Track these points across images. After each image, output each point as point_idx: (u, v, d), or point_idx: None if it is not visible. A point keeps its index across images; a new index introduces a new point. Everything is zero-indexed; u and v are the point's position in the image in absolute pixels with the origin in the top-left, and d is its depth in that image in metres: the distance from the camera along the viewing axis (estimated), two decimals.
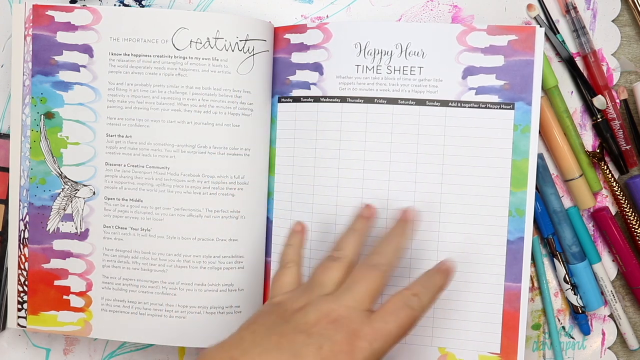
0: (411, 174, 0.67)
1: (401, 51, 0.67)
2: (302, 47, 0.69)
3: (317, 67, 0.68)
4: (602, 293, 0.72)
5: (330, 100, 0.68)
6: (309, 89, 0.68)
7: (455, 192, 0.67)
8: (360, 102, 0.67)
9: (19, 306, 0.70)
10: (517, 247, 0.66)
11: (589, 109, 0.71)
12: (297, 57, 0.69)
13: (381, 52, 0.67)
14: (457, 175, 0.66)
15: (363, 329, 0.52)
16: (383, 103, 0.67)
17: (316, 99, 0.68)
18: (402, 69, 0.67)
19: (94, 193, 0.69)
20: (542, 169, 0.70)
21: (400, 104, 0.67)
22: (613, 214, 0.72)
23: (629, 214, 0.71)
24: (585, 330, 0.73)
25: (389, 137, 0.67)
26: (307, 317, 0.53)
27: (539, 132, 0.69)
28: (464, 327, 0.67)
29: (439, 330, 0.67)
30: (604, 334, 0.74)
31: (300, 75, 0.69)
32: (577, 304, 0.72)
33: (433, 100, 0.66)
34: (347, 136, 0.68)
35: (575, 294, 0.72)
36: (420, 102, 0.66)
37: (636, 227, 0.71)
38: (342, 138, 0.68)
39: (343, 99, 0.67)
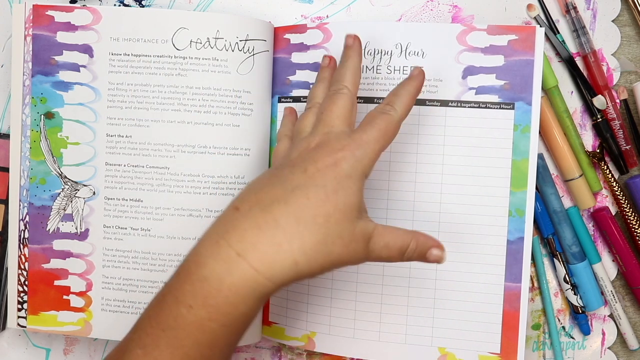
0: (411, 174, 0.67)
1: (401, 51, 0.67)
2: (302, 47, 0.69)
3: (317, 67, 0.68)
4: (602, 293, 0.72)
5: None
6: (309, 88, 0.68)
7: (455, 191, 0.67)
8: (360, 102, 0.67)
9: (19, 306, 0.70)
10: (517, 247, 0.66)
11: (589, 109, 0.71)
12: (297, 57, 0.69)
13: (381, 52, 0.67)
14: (457, 175, 0.66)
15: (343, 143, 0.54)
16: None
17: None
18: (402, 68, 0.67)
19: (94, 193, 0.69)
20: (542, 169, 0.70)
21: None
22: (613, 214, 0.72)
23: (629, 214, 0.71)
24: (585, 330, 0.73)
25: None
26: (291, 157, 0.56)
27: (539, 132, 0.69)
28: (464, 327, 0.67)
29: (439, 331, 0.67)
30: (604, 334, 0.74)
31: (301, 75, 0.69)
32: (577, 304, 0.72)
33: (433, 100, 0.66)
34: None
35: (575, 294, 0.72)
36: (421, 102, 0.66)
37: (636, 227, 0.71)
38: None
39: None
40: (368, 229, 0.54)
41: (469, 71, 0.66)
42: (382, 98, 0.66)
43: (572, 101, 0.72)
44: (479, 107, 0.66)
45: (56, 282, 0.70)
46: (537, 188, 0.70)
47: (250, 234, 0.50)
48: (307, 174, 0.53)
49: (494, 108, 0.66)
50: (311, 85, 0.67)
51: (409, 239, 0.56)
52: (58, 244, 0.70)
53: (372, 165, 0.55)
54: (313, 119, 0.60)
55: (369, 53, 0.67)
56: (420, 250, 0.56)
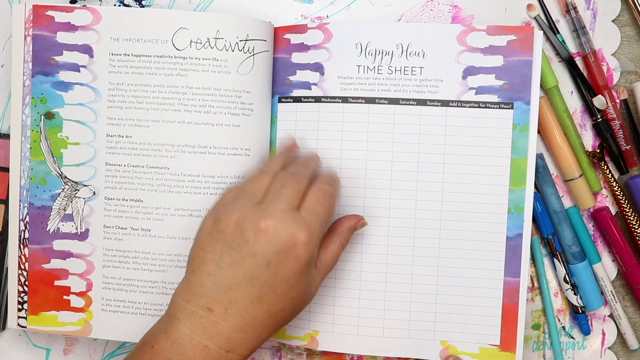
0: (412, 173, 0.67)
1: (402, 51, 0.67)
2: (303, 47, 0.69)
3: (318, 67, 0.68)
4: (602, 293, 0.72)
5: (332, 100, 0.68)
6: (310, 89, 0.68)
7: (455, 190, 0.67)
8: (361, 102, 0.67)
9: (19, 306, 0.70)
10: (516, 243, 0.67)
11: (589, 109, 0.71)
12: (297, 57, 0.69)
13: (382, 53, 0.67)
14: (458, 174, 0.67)
15: (299, 228, 0.57)
16: (384, 103, 0.67)
17: (317, 99, 0.68)
18: (403, 69, 0.67)
19: (94, 193, 0.69)
20: (542, 169, 0.71)
21: (402, 104, 0.67)
22: (613, 214, 0.72)
23: (629, 214, 0.71)
24: (585, 330, 0.73)
25: (390, 136, 0.67)
26: (246, 236, 0.57)
27: (539, 132, 0.69)
28: (464, 321, 0.68)
29: (441, 324, 0.68)
30: (604, 334, 0.74)
31: (301, 76, 0.69)
32: (577, 304, 0.72)
33: (434, 100, 0.67)
34: (349, 136, 0.68)
35: (575, 294, 0.72)
36: (421, 102, 0.67)
37: (636, 227, 0.71)
38: (344, 138, 0.68)
39: (344, 99, 0.67)
40: (318, 279, 0.62)
41: (469, 71, 0.66)
42: (384, 98, 0.67)
43: (572, 101, 0.72)
44: (479, 106, 0.66)
45: (56, 282, 0.70)
46: (537, 188, 0.71)
47: (235, 336, 0.56)
48: (270, 268, 0.56)
49: (494, 108, 0.66)
50: (312, 86, 0.68)
51: (337, 245, 0.64)
52: (58, 244, 0.70)
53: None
54: (267, 184, 0.61)
55: (370, 53, 0.67)
56: (350, 235, 0.66)
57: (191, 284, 0.58)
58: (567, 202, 0.72)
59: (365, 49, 0.67)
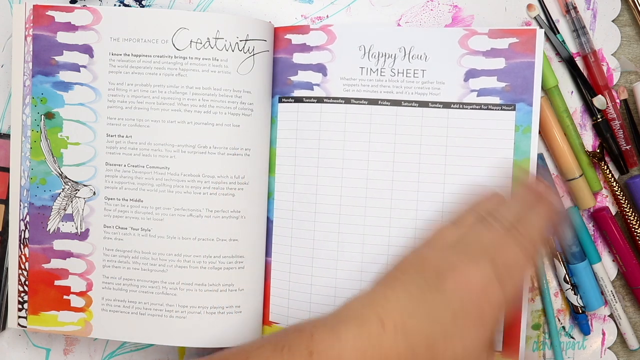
0: (414, 174, 0.67)
1: (404, 54, 0.67)
2: (305, 48, 0.69)
3: (320, 68, 0.68)
4: (602, 293, 0.73)
5: (334, 101, 0.68)
6: (312, 89, 0.68)
7: (457, 191, 0.67)
8: (364, 104, 0.67)
9: (20, 306, 0.70)
10: None
11: (589, 109, 0.71)
12: (299, 58, 0.69)
13: (385, 55, 0.67)
14: (459, 175, 0.67)
15: (499, 300, 0.55)
16: (387, 105, 0.67)
17: (320, 100, 0.68)
18: (405, 71, 0.67)
19: (94, 193, 0.69)
20: (542, 169, 0.71)
21: (404, 105, 0.67)
22: (613, 214, 0.72)
23: (629, 214, 0.71)
24: (585, 330, 0.73)
25: (392, 138, 0.67)
26: (453, 280, 0.55)
27: (539, 132, 0.69)
28: None
29: None
30: (604, 334, 0.74)
31: (303, 76, 0.69)
32: (577, 304, 0.72)
33: (436, 102, 0.67)
34: (351, 137, 0.68)
35: (575, 294, 0.72)
36: (423, 104, 0.67)
37: (636, 227, 0.71)
38: (346, 139, 0.68)
39: (347, 100, 0.68)
40: None
41: (471, 74, 0.66)
42: (386, 100, 0.67)
43: (572, 101, 0.72)
44: (481, 108, 0.66)
45: (56, 282, 0.70)
46: None
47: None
48: (456, 324, 0.54)
49: (496, 109, 0.66)
50: (314, 87, 0.68)
51: None
52: (58, 244, 0.70)
53: None
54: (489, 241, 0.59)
55: (373, 56, 0.67)
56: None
57: (375, 293, 0.56)
58: (567, 202, 0.73)
59: (369, 52, 0.67)
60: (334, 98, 0.68)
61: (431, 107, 0.67)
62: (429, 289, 0.55)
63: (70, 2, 0.73)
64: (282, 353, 0.53)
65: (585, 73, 0.71)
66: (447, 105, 0.67)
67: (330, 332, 0.54)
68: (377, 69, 0.67)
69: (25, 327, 0.71)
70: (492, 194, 0.63)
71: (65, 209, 0.70)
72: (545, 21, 0.71)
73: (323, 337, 0.53)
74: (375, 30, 0.68)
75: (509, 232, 0.58)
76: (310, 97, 0.69)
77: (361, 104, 0.67)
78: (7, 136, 0.72)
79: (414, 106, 0.67)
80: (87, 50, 0.68)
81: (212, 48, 0.67)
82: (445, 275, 0.55)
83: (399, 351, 0.53)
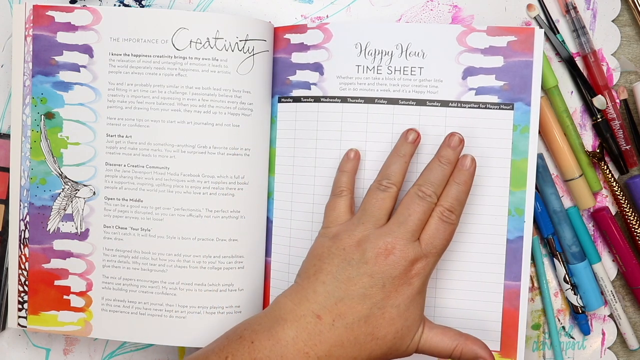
0: (411, 174, 0.67)
1: (402, 52, 0.67)
2: (302, 47, 0.69)
3: (317, 67, 0.68)
4: (602, 293, 0.72)
5: (331, 100, 0.68)
6: (310, 89, 0.68)
7: None
8: (361, 103, 0.67)
9: (20, 306, 0.70)
10: (517, 246, 0.66)
11: (589, 109, 0.71)
12: (297, 57, 0.69)
13: (382, 53, 0.67)
14: None
15: (416, 258, 0.59)
16: (384, 103, 0.67)
17: (317, 99, 0.68)
18: (402, 69, 0.67)
19: (94, 193, 0.69)
20: (542, 169, 0.71)
21: (401, 104, 0.67)
22: (613, 214, 0.72)
23: (629, 214, 0.71)
24: (585, 330, 0.73)
25: (389, 137, 0.67)
26: (367, 256, 0.59)
27: (539, 132, 0.69)
28: (464, 326, 0.67)
29: None
30: (604, 334, 0.74)
31: (301, 75, 0.69)
32: (577, 304, 0.72)
33: (433, 101, 0.66)
34: (348, 136, 0.68)
35: (575, 294, 0.72)
36: (421, 103, 0.67)
37: (636, 227, 0.71)
38: (343, 138, 0.68)
39: (344, 99, 0.67)
40: (420, 338, 0.61)
41: (469, 72, 0.66)
42: (383, 98, 0.67)
43: (572, 101, 0.72)
44: (479, 107, 0.66)
45: (56, 282, 0.70)
46: (537, 188, 0.71)
47: (335, 350, 0.57)
48: (384, 290, 0.58)
49: (494, 108, 0.66)
50: (312, 86, 0.68)
51: (454, 345, 0.61)
52: (58, 244, 0.70)
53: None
54: (389, 206, 0.62)
55: (370, 53, 0.67)
56: (466, 356, 0.61)
57: (303, 289, 0.60)
58: (567, 202, 0.72)
59: (365, 49, 0.67)
60: (330, 97, 0.68)
61: (429, 105, 0.67)
62: (350, 266, 0.59)
63: (70, 2, 0.73)
64: None
65: (585, 73, 0.71)
66: (445, 103, 0.66)
67: (268, 335, 0.57)
68: (374, 67, 0.67)
69: (25, 327, 0.71)
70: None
71: (65, 209, 0.70)
72: (545, 21, 0.71)
73: (263, 343, 0.57)
74: (371, 27, 0.68)
75: (410, 190, 0.62)
76: (307, 97, 0.69)
77: (357, 102, 0.67)
78: (7, 136, 0.72)
79: (411, 105, 0.67)
80: (87, 50, 0.68)
81: (211, 48, 0.67)
82: (362, 247, 0.59)
83: (341, 338, 0.57)
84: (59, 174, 0.69)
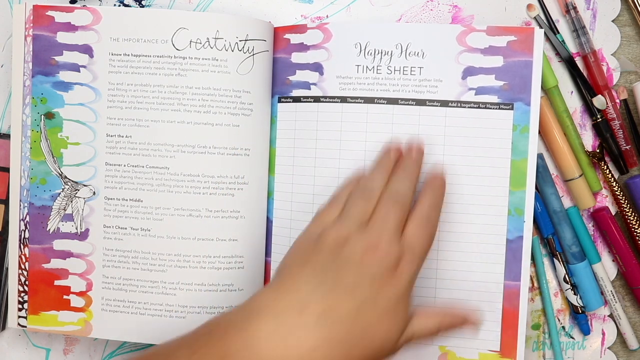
0: None
1: (401, 51, 0.67)
2: (302, 47, 0.69)
3: (317, 67, 0.68)
4: (602, 293, 0.72)
5: (331, 100, 0.68)
6: (309, 89, 0.68)
7: (454, 191, 0.66)
8: (360, 102, 0.67)
9: (20, 306, 0.71)
10: (517, 246, 0.66)
11: (589, 109, 0.71)
12: (297, 57, 0.69)
13: (381, 53, 0.67)
14: (456, 175, 0.66)
15: (402, 255, 0.57)
16: (383, 103, 0.67)
17: (316, 99, 0.68)
18: (402, 69, 0.67)
19: (94, 193, 0.69)
20: (542, 169, 0.71)
21: (401, 104, 0.67)
22: (613, 214, 0.72)
23: (629, 214, 0.71)
24: (585, 330, 0.73)
25: (389, 137, 0.67)
26: (353, 255, 0.57)
27: (539, 132, 0.69)
28: None
29: None
30: (603, 334, 0.74)
31: (301, 75, 0.69)
32: (577, 304, 0.72)
33: (433, 101, 0.66)
34: (348, 136, 0.68)
35: (575, 294, 0.72)
36: (421, 102, 0.67)
37: (636, 227, 0.71)
38: (343, 138, 0.68)
39: (343, 99, 0.67)
40: (408, 333, 0.59)
41: (469, 72, 0.66)
42: (382, 98, 0.67)
43: (572, 101, 0.72)
44: (479, 107, 0.66)
45: (56, 282, 0.70)
46: (537, 188, 0.71)
47: (320, 347, 0.54)
48: (372, 287, 0.56)
49: (494, 108, 0.66)
50: (311, 86, 0.68)
51: (437, 326, 0.60)
52: (58, 244, 0.70)
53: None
54: (369, 210, 0.60)
55: (369, 53, 0.67)
56: (451, 329, 0.62)
57: (284, 284, 0.57)
58: (567, 202, 0.72)
59: (365, 49, 0.67)
60: (330, 97, 0.68)
61: (428, 105, 0.67)
62: (335, 263, 0.57)
63: (70, 2, 0.73)
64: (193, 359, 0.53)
65: (585, 73, 0.71)
66: (444, 103, 0.66)
67: (241, 329, 0.54)
68: (373, 67, 0.67)
69: (25, 327, 0.71)
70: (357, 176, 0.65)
71: (65, 209, 0.70)
72: (545, 21, 0.71)
73: (234, 338, 0.53)
74: (371, 27, 0.68)
75: (383, 195, 0.61)
76: (307, 97, 0.69)
77: (357, 102, 0.67)
78: (7, 136, 0.72)
79: (411, 104, 0.67)
80: (87, 50, 0.69)
81: (211, 48, 0.67)
82: (348, 244, 0.57)
83: (327, 335, 0.54)
84: (59, 174, 0.69)
